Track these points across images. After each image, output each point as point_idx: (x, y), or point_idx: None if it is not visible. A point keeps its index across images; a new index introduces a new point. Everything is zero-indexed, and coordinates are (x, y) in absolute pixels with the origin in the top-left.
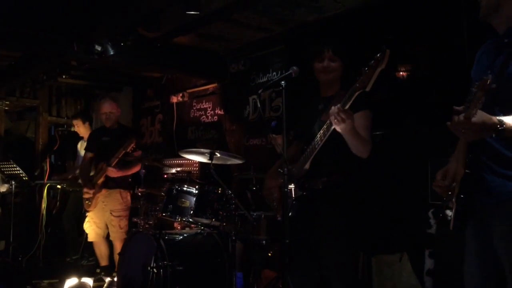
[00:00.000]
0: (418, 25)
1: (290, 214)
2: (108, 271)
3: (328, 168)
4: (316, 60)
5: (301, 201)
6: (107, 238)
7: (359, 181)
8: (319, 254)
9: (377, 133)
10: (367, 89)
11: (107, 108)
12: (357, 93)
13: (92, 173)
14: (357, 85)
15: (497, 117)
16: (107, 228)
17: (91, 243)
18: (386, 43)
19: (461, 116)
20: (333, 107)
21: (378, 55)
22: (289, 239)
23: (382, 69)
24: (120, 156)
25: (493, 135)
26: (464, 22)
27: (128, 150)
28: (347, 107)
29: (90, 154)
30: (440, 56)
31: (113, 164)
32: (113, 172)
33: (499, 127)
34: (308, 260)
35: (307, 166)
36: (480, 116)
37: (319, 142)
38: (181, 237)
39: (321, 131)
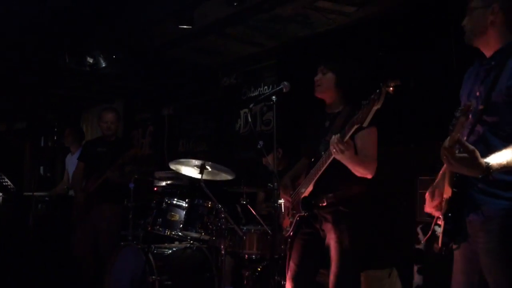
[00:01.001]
0: (407, 42)
1: (292, 230)
2: (95, 285)
3: (333, 185)
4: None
5: (305, 219)
6: (94, 252)
7: (364, 198)
8: (322, 269)
9: None
10: (364, 125)
11: (110, 117)
12: (355, 127)
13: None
14: (355, 119)
15: (485, 161)
16: (95, 242)
17: (78, 256)
18: (376, 59)
19: (446, 143)
20: (333, 137)
21: (376, 93)
22: (285, 254)
23: (378, 108)
24: (119, 164)
25: (479, 176)
26: (452, 39)
27: (127, 160)
28: (346, 139)
29: (82, 164)
30: (429, 73)
31: (113, 169)
32: (112, 174)
33: (486, 172)
34: (307, 275)
35: (310, 187)
36: (465, 154)
37: (321, 167)
38: (170, 251)
39: (324, 156)
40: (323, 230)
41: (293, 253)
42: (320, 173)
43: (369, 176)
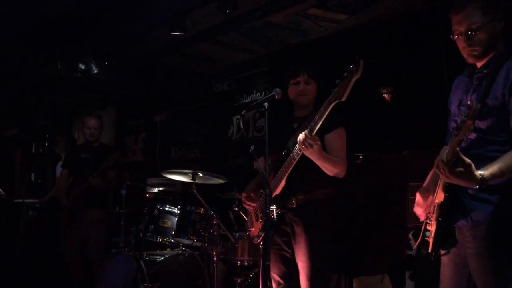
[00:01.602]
0: (398, 49)
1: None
2: None
3: (303, 186)
4: (292, 83)
5: (277, 220)
6: (83, 257)
7: (336, 199)
8: (295, 272)
9: (359, 154)
10: (343, 99)
11: (93, 123)
12: (333, 104)
13: (72, 191)
14: (333, 96)
15: (479, 172)
16: (83, 247)
17: (68, 262)
18: (368, 66)
19: (443, 155)
20: (300, 134)
21: (352, 66)
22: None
23: (357, 78)
24: (103, 168)
25: (475, 187)
26: (442, 46)
27: (111, 164)
28: (315, 130)
29: (66, 171)
30: (420, 80)
31: (97, 174)
32: (94, 181)
33: (481, 183)
34: (283, 277)
35: (282, 182)
36: (462, 168)
37: (291, 163)
38: (162, 258)
39: (294, 151)
40: (294, 233)
41: (273, 265)
42: (290, 170)
43: (341, 176)
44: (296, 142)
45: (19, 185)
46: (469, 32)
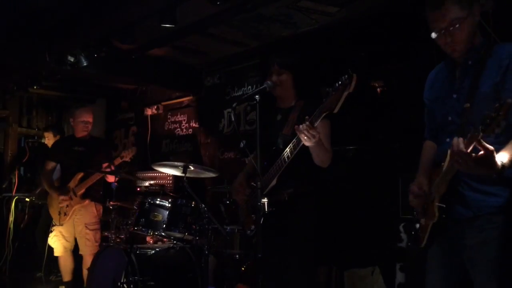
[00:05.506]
0: (390, 42)
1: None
2: (72, 286)
3: (293, 180)
4: (268, 76)
5: (267, 215)
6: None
7: (324, 191)
8: (285, 264)
9: (350, 147)
10: (335, 111)
11: (87, 117)
12: (324, 114)
13: (71, 183)
14: (324, 107)
15: (499, 159)
16: (75, 241)
17: (56, 257)
18: (359, 59)
19: (460, 145)
20: (301, 125)
21: (345, 78)
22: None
23: (349, 92)
24: (119, 163)
25: (494, 175)
26: (433, 39)
27: (128, 159)
28: (316, 124)
29: (53, 164)
30: (411, 73)
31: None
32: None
33: (501, 170)
34: (276, 270)
35: (274, 182)
36: (485, 154)
37: (287, 160)
38: (153, 252)
39: (288, 149)
40: (284, 224)
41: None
42: (284, 167)
43: (326, 165)
44: (286, 141)
45: (8, 179)
46: (450, 28)
